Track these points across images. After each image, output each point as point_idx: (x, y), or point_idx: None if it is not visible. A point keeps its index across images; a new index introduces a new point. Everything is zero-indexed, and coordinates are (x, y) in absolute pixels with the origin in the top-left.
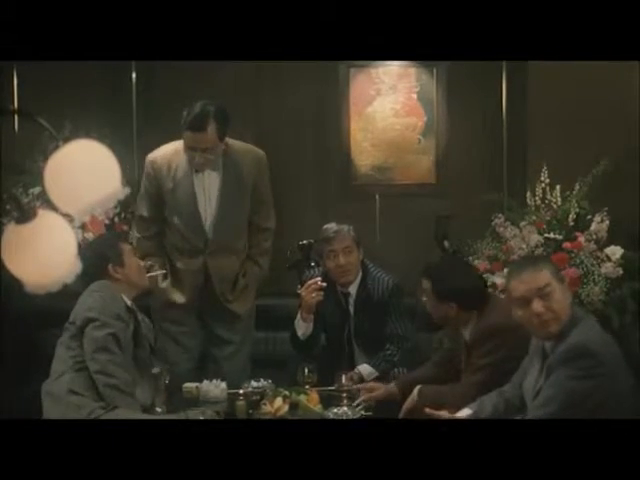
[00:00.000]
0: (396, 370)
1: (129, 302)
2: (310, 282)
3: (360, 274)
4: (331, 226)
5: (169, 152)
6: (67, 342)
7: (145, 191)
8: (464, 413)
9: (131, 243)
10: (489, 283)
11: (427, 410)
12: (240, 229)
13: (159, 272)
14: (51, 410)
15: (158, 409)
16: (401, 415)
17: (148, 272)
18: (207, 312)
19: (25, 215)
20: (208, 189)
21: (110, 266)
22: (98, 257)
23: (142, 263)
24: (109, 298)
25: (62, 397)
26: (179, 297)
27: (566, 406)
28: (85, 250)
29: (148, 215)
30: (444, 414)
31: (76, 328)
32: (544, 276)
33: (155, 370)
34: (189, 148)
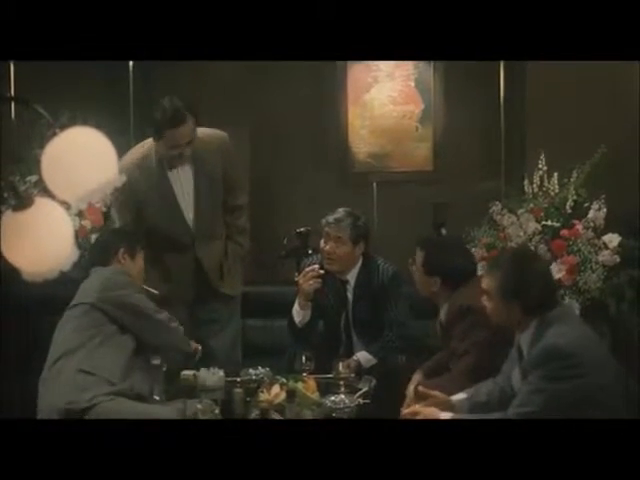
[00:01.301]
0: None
1: None
2: (308, 269)
3: (360, 262)
4: (339, 212)
5: (136, 159)
6: (78, 321)
7: (120, 203)
8: (459, 397)
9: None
10: None
11: (420, 388)
12: (217, 214)
13: (154, 290)
14: (49, 395)
15: (156, 397)
16: (404, 408)
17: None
18: (198, 302)
19: (22, 203)
20: (184, 184)
21: (122, 251)
22: (117, 236)
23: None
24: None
25: (69, 378)
26: (170, 293)
27: (545, 406)
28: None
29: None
30: (437, 394)
31: (90, 306)
32: (484, 282)
33: (155, 361)
34: (171, 147)
